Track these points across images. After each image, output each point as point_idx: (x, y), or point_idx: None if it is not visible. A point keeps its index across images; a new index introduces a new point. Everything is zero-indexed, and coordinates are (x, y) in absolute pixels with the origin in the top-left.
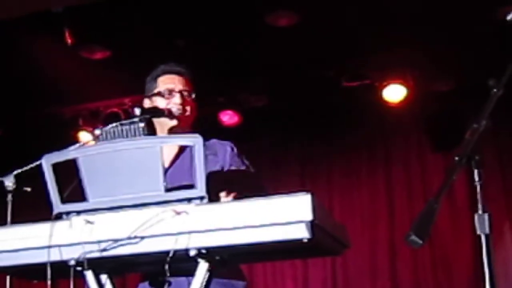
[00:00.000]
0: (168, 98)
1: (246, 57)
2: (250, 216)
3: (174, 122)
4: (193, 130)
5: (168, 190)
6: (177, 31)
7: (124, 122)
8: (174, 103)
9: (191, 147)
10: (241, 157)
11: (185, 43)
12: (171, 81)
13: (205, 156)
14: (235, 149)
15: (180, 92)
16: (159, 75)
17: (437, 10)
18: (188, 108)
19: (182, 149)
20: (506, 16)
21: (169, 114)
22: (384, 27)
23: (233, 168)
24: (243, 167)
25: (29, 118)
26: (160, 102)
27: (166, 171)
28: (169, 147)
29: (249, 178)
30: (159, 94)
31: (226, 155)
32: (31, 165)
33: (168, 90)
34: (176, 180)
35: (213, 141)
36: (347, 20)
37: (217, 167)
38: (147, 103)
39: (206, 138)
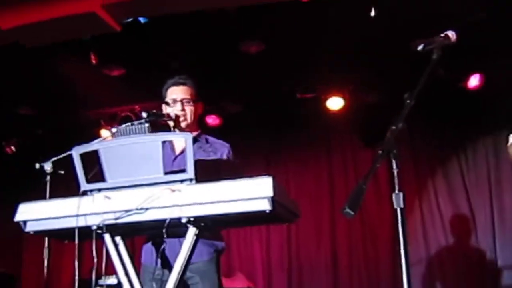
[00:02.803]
0: (172, 106)
1: (227, 75)
2: (228, 193)
3: (172, 123)
4: (197, 127)
5: (166, 173)
6: (173, 55)
7: (134, 123)
8: (177, 110)
9: (196, 142)
10: (233, 157)
11: (178, 65)
12: (175, 92)
13: (207, 150)
14: (230, 152)
15: (181, 100)
16: (168, 87)
17: (367, 45)
18: (188, 112)
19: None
20: (417, 47)
21: (168, 117)
22: (328, 54)
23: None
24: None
25: (63, 120)
26: (167, 109)
27: (176, 157)
28: (179, 140)
29: (234, 169)
30: (166, 103)
31: (223, 154)
32: (64, 154)
33: (173, 99)
34: (182, 164)
35: (216, 141)
36: (300, 48)
37: (219, 157)
38: (163, 108)
39: (210, 136)
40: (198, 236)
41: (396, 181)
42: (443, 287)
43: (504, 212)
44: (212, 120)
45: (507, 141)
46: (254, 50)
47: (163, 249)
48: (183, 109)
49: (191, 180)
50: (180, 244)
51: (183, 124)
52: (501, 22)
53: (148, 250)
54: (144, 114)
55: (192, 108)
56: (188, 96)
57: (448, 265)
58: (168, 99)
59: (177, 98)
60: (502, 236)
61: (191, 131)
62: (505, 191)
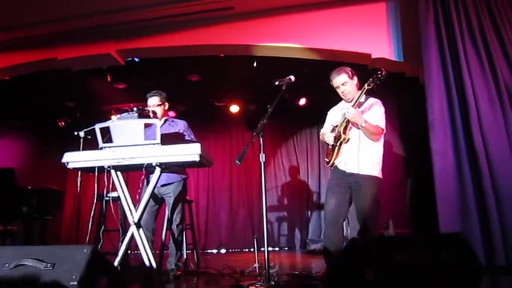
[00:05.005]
0: (151, 106)
1: (178, 94)
2: (177, 151)
3: (152, 114)
4: (165, 115)
5: (145, 140)
6: (149, 74)
7: (130, 113)
8: (154, 107)
9: (165, 122)
10: (189, 129)
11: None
12: (151, 101)
13: (172, 125)
14: (186, 125)
15: (154, 105)
16: (147, 98)
17: (251, 80)
18: (159, 112)
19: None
20: (275, 83)
21: (148, 112)
22: (231, 84)
23: (184, 133)
24: (188, 133)
25: (91, 110)
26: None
27: (151, 130)
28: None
29: (184, 137)
30: (147, 105)
31: (182, 127)
32: (90, 127)
33: (150, 106)
34: (154, 135)
35: (178, 120)
36: (219, 80)
37: (175, 131)
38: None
39: (175, 118)
40: (161, 173)
41: (262, 147)
42: (283, 200)
43: (313, 164)
44: (171, 113)
45: (319, 132)
46: (195, 79)
47: (148, 178)
48: (155, 111)
49: (158, 144)
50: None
51: (158, 115)
52: (316, 71)
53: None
54: (135, 109)
55: (161, 109)
56: (159, 103)
57: (286, 190)
58: (148, 104)
59: (151, 104)
60: (311, 176)
61: (160, 118)
62: (315, 156)
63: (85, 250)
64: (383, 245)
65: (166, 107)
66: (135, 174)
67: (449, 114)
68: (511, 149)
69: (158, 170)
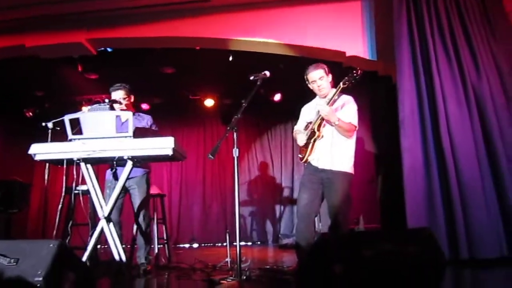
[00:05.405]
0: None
1: (152, 86)
2: (150, 144)
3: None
4: (133, 108)
5: (117, 132)
6: (120, 64)
7: (101, 104)
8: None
9: (133, 115)
10: (154, 123)
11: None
12: (116, 95)
13: (139, 119)
14: (151, 120)
15: (120, 98)
16: (111, 92)
17: (227, 74)
18: (125, 104)
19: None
20: (250, 78)
21: (116, 103)
22: (206, 77)
23: (150, 127)
24: (153, 127)
25: (61, 100)
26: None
27: (122, 124)
28: (125, 115)
29: (154, 132)
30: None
31: (148, 121)
32: (60, 118)
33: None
34: (125, 128)
35: (144, 115)
36: (194, 74)
37: (142, 125)
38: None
39: (142, 113)
40: (133, 166)
41: (235, 142)
42: (256, 194)
43: (287, 159)
44: (145, 105)
45: (293, 128)
46: (169, 71)
47: (115, 171)
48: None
49: (130, 136)
50: (123, 169)
51: (124, 108)
52: (291, 67)
53: (109, 172)
54: (106, 101)
55: (127, 101)
56: (124, 96)
57: (259, 184)
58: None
59: (117, 97)
60: (285, 171)
61: (130, 111)
62: (288, 152)
63: (51, 245)
64: (351, 240)
65: (132, 100)
66: (105, 167)
67: (419, 113)
68: (475, 146)
69: (129, 163)
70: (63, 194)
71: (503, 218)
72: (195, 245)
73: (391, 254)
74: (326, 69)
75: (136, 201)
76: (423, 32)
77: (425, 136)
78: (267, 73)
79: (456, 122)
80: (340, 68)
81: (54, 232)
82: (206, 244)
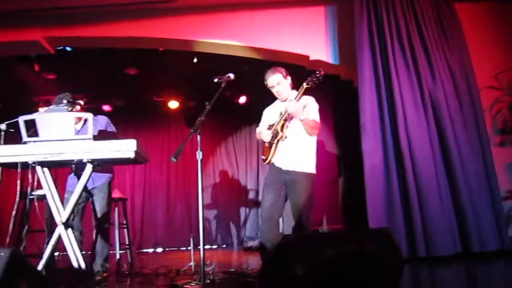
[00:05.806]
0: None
1: (115, 87)
2: (111, 147)
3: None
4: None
5: (76, 134)
6: (83, 65)
7: (59, 105)
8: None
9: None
10: (110, 124)
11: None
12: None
13: (96, 123)
14: (108, 121)
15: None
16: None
17: (191, 76)
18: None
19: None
20: (214, 80)
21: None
22: (171, 80)
23: (107, 130)
24: (110, 129)
25: (17, 101)
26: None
27: (82, 126)
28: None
29: (112, 133)
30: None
31: (104, 123)
32: (14, 120)
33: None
34: (84, 130)
35: (101, 116)
36: (158, 75)
37: (101, 128)
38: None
39: (98, 115)
40: (92, 170)
41: (199, 144)
42: (221, 197)
43: (252, 161)
44: (107, 107)
45: (255, 131)
46: (134, 73)
47: (79, 176)
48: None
49: (90, 139)
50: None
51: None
52: (256, 70)
53: (71, 176)
54: (64, 101)
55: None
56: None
57: (224, 187)
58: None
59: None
60: (250, 173)
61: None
62: (254, 154)
63: (2, 253)
64: (312, 241)
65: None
66: (64, 171)
67: (379, 117)
68: (431, 148)
69: (89, 166)
70: (17, 199)
71: (457, 216)
72: (159, 250)
73: (351, 254)
74: (284, 72)
75: (96, 204)
76: (383, 38)
77: (385, 139)
78: (231, 75)
79: (414, 125)
80: (304, 72)
81: (8, 239)
82: (170, 248)
